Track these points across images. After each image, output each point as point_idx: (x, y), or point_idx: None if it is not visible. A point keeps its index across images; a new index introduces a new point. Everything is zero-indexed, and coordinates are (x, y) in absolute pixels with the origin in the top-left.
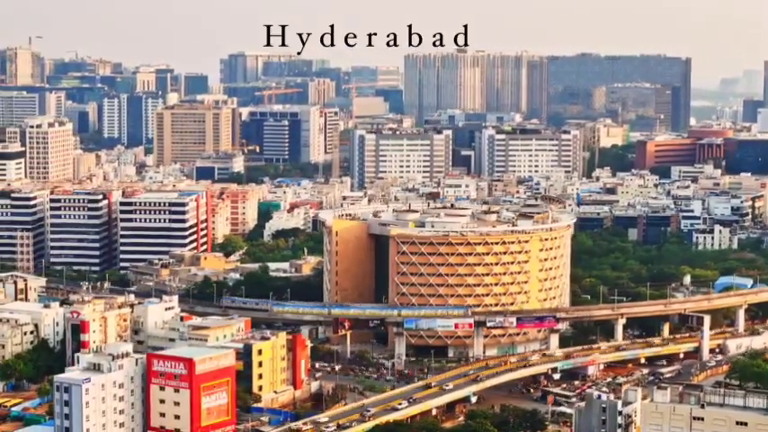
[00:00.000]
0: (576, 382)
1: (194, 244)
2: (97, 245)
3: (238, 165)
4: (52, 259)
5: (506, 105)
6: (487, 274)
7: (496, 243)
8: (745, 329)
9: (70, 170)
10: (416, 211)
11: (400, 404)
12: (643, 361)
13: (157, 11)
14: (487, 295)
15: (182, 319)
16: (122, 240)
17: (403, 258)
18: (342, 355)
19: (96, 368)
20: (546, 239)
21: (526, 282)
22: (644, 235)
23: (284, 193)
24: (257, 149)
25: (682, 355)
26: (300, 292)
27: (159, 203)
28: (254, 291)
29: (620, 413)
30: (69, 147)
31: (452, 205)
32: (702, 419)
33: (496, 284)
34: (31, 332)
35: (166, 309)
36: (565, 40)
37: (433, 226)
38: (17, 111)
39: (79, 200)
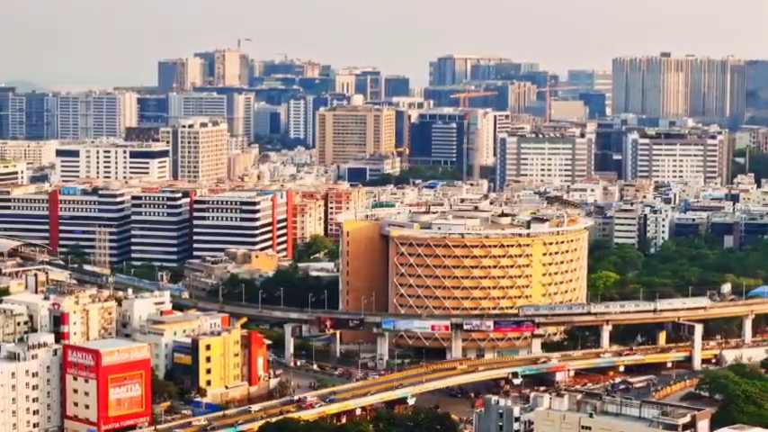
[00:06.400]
0: (542, 388)
1: (269, 243)
2: (175, 242)
3: (390, 166)
4: (134, 255)
5: (711, 110)
6: (485, 277)
7: (495, 246)
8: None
9: (223, 170)
10: (434, 213)
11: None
12: (622, 369)
13: (373, 13)
14: (485, 298)
15: (161, 313)
16: (196, 238)
17: (402, 260)
18: (332, 354)
19: (15, 357)
20: (551, 243)
21: (528, 286)
22: (740, 242)
23: (403, 194)
24: (406, 151)
25: (670, 365)
26: (322, 291)
27: (231, 202)
28: (282, 290)
29: (518, 419)
30: (223, 146)
31: (476, 208)
32: (590, 428)
33: (494, 287)
34: (26, 323)
35: (156, 303)
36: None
37: (439, 228)
38: (206, 111)
39: (159, 197)
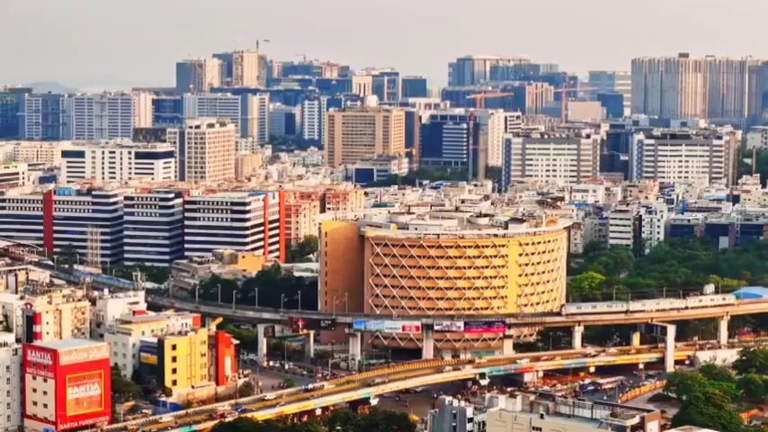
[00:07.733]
0: (510, 389)
1: (261, 243)
2: (167, 242)
3: (398, 167)
4: (126, 255)
5: (730, 111)
6: (460, 278)
7: (470, 247)
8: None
9: (231, 170)
10: (413, 213)
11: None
12: (593, 370)
13: (394, 13)
14: (460, 299)
15: (134, 313)
16: (187, 238)
17: (377, 260)
18: (306, 354)
19: None
20: (527, 244)
21: (503, 286)
22: (736, 243)
23: (403, 195)
24: (414, 152)
25: (641, 366)
26: (303, 291)
27: (221, 203)
28: (257, 290)
29: (471, 420)
30: (230, 147)
31: (457, 208)
32: (540, 429)
33: (469, 288)
34: (1, 322)
35: (130, 303)
36: None
37: (416, 229)
38: (221, 112)
39: (151, 198)
